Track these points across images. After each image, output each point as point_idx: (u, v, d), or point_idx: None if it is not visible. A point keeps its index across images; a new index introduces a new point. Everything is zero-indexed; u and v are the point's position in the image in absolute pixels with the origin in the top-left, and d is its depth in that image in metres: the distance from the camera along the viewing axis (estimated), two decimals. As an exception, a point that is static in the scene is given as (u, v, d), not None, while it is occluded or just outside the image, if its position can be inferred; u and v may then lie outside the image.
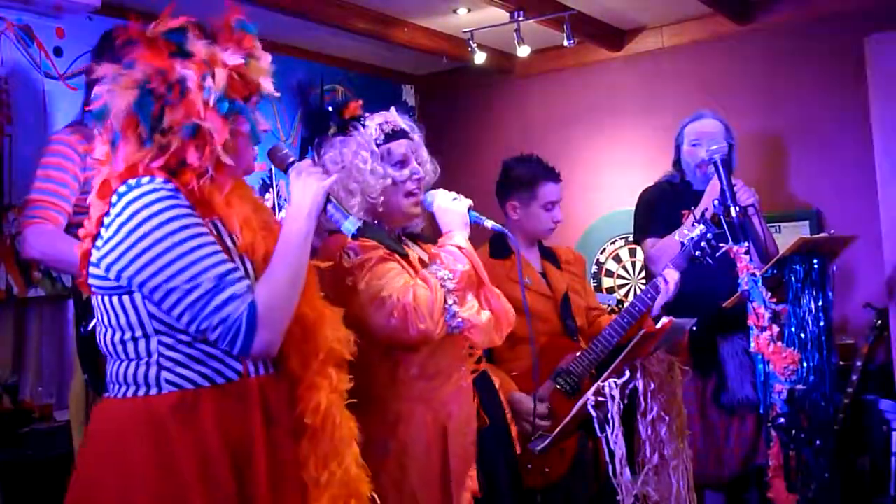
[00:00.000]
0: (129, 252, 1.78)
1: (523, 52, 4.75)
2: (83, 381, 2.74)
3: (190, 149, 1.81)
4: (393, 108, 2.66)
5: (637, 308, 3.28)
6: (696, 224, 3.22)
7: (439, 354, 2.47)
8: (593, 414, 2.42)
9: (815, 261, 3.03)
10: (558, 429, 2.63)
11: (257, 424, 1.85)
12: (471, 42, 4.79)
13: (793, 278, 3.03)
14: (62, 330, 3.82)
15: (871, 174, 4.10)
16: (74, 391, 2.86)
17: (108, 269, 1.82)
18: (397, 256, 2.45)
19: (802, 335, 2.99)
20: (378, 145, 2.53)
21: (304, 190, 1.97)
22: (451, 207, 2.52)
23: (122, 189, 1.81)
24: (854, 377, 4.14)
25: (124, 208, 1.79)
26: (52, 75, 3.79)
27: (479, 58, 4.88)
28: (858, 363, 4.17)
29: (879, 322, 4.20)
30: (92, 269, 1.86)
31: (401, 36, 4.79)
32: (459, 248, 2.42)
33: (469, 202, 2.54)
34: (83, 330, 2.60)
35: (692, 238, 3.21)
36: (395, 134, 2.57)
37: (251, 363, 1.88)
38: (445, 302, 2.35)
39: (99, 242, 1.84)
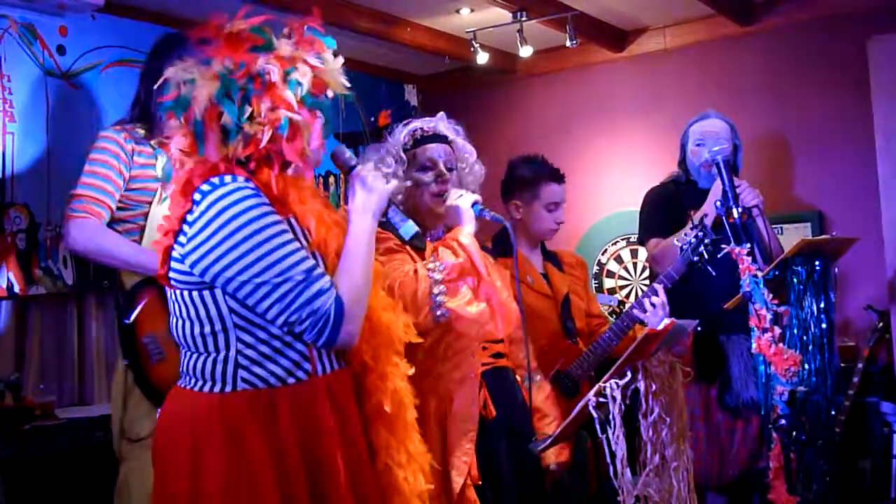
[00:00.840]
0: (216, 249, 1.84)
1: (526, 52, 4.75)
2: (124, 367, 2.82)
3: (284, 143, 1.89)
4: (440, 114, 2.83)
5: (636, 309, 3.29)
6: (693, 229, 3.23)
7: (447, 343, 2.58)
8: (594, 415, 2.42)
9: (816, 262, 3.02)
10: (559, 429, 2.64)
11: (329, 422, 1.93)
12: (473, 42, 4.79)
13: (794, 280, 3.02)
14: (63, 328, 3.82)
15: (874, 176, 4.10)
16: (117, 379, 2.91)
17: (193, 266, 1.88)
18: (408, 248, 2.57)
19: (804, 337, 2.99)
20: (406, 150, 2.69)
21: (370, 191, 2.07)
22: (457, 204, 2.63)
23: (206, 188, 1.87)
24: (855, 379, 4.14)
25: (210, 206, 1.85)
26: (55, 73, 3.79)
27: (482, 58, 4.89)
28: (860, 365, 4.17)
29: (881, 324, 4.20)
30: (174, 265, 1.92)
31: (403, 36, 4.79)
32: (459, 242, 2.52)
33: (474, 197, 2.64)
34: (125, 320, 2.72)
35: (690, 243, 3.21)
36: (425, 139, 2.72)
37: (318, 362, 1.96)
38: (431, 292, 2.45)
39: (182, 239, 1.89)
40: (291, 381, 1.92)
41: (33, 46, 3.72)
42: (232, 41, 1.91)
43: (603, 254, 5.39)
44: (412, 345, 2.48)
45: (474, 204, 2.62)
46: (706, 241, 3.20)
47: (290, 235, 1.88)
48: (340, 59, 2.03)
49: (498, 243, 3.45)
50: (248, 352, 1.90)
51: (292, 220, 1.95)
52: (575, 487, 3.36)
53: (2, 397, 3.34)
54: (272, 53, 1.91)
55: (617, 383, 2.42)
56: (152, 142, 2.94)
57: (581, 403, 2.48)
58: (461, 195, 2.64)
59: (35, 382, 3.62)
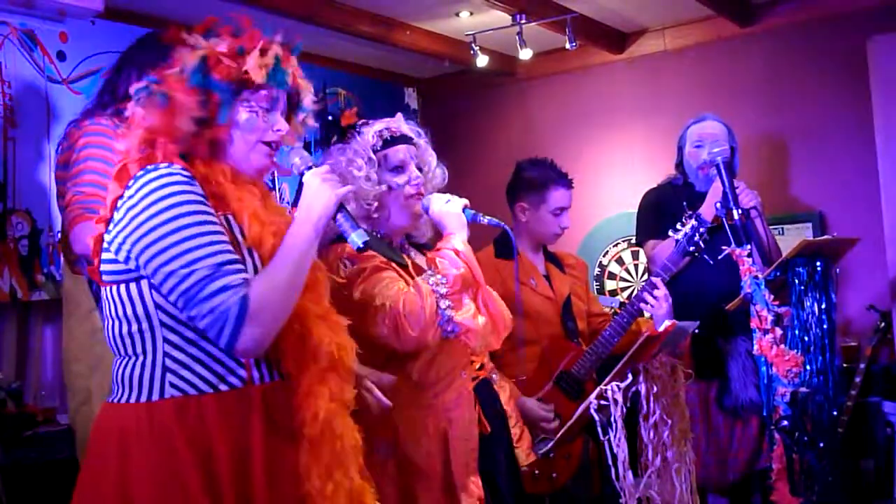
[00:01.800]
0: (137, 230, 1.78)
1: (525, 54, 4.75)
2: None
3: (162, 117, 1.83)
4: (399, 115, 2.65)
5: (635, 307, 3.29)
6: (687, 219, 3.22)
7: (440, 361, 2.46)
8: (596, 417, 2.41)
9: (818, 263, 3.02)
10: (561, 432, 2.64)
11: (257, 434, 1.82)
12: (473, 45, 4.79)
13: (796, 281, 3.02)
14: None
15: (874, 176, 4.10)
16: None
17: (117, 251, 1.81)
18: (394, 265, 2.44)
19: (805, 338, 2.99)
20: (375, 152, 2.52)
21: (316, 196, 1.94)
22: (447, 209, 2.48)
23: (140, 174, 1.82)
24: (857, 379, 4.14)
25: (137, 190, 1.80)
26: (55, 79, 3.80)
27: (482, 61, 4.89)
28: (862, 365, 4.17)
29: (883, 324, 4.20)
30: (104, 255, 1.85)
31: (403, 39, 4.80)
32: (455, 251, 2.39)
33: (464, 202, 2.50)
34: None
35: (685, 234, 3.21)
36: (394, 140, 2.55)
37: (255, 369, 1.85)
38: (439, 307, 2.32)
39: (111, 226, 1.84)
40: (224, 387, 1.81)
41: (34, 53, 3.73)
42: (183, 42, 1.91)
43: (604, 255, 5.39)
44: (406, 367, 2.40)
45: (465, 209, 2.48)
46: (700, 230, 3.20)
47: (212, 227, 1.78)
48: (271, 56, 1.92)
49: (500, 245, 3.45)
50: (176, 354, 1.80)
51: (230, 217, 1.87)
52: (578, 490, 3.37)
53: (4, 404, 3.34)
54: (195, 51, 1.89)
55: (618, 386, 2.42)
56: None
57: (583, 406, 2.48)
58: (448, 200, 2.49)
59: (37, 389, 3.62)
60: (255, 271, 1.85)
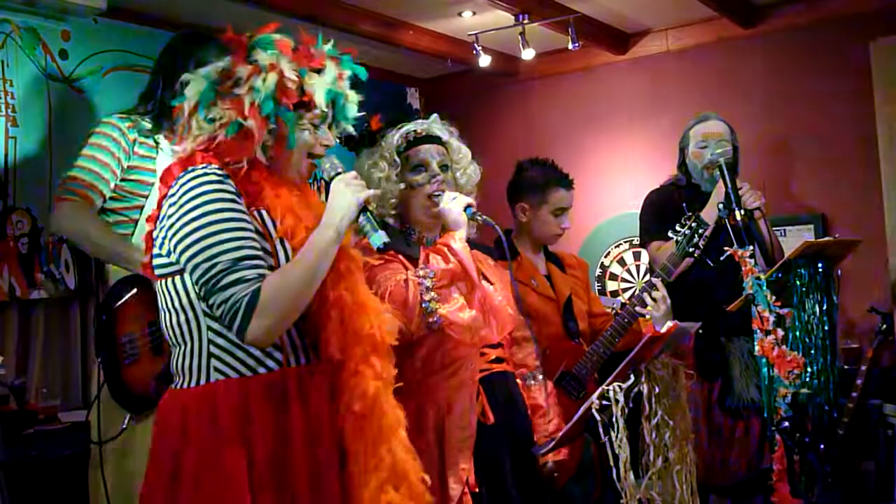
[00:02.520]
0: (174, 226, 1.92)
1: (528, 55, 4.75)
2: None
3: (233, 145, 1.96)
4: (434, 116, 2.81)
5: (635, 307, 3.29)
6: (687, 221, 3.22)
7: (444, 350, 2.54)
8: (597, 418, 2.42)
9: (819, 265, 3.02)
10: (562, 432, 2.64)
11: (296, 414, 1.94)
12: (475, 45, 4.79)
13: (797, 282, 3.02)
14: (66, 332, 3.83)
15: (877, 178, 4.10)
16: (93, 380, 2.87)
17: (162, 246, 1.96)
18: (401, 257, 2.55)
19: (807, 339, 2.98)
20: (399, 153, 2.67)
21: (339, 200, 2.05)
22: (450, 207, 2.59)
23: (181, 174, 1.96)
24: (859, 381, 4.13)
25: (179, 188, 1.93)
26: (57, 78, 3.80)
27: (484, 61, 4.89)
28: (863, 367, 4.16)
29: (884, 326, 4.19)
30: (154, 251, 1.99)
31: (406, 39, 4.80)
32: (448, 246, 2.49)
33: (467, 200, 2.61)
34: (103, 316, 2.70)
35: (685, 234, 3.21)
36: (418, 140, 2.70)
37: (291, 353, 1.99)
38: (422, 299, 2.42)
39: (159, 223, 1.98)
40: (262, 370, 1.95)
41: (35, 51, 3.73)
42: (237, 49, 2.01)
43: (606, 256, 5.39)
44: (410, 354, 2.50)
45: (467, 208, 2.58)
46: (700, 231, 3.19)
47: (239, 224, 1.91)
48: (330, 75, 2.07)
49: (499, 246, 3.45)
50: (219, 340, 1.94)
51: (263, 213, 1.99)
52: (579, 490, 3.36)
53: (5, 401, 3.34)
54: (253, 62, 1.99)
55: (620, 386, 2.42)
56: (157, 136, 2.90)
57: (584, 407, 2.48)
58: (454, 198, 2.61)
59: (38, 386, 3.62)
60: (287, 260, 1.98)
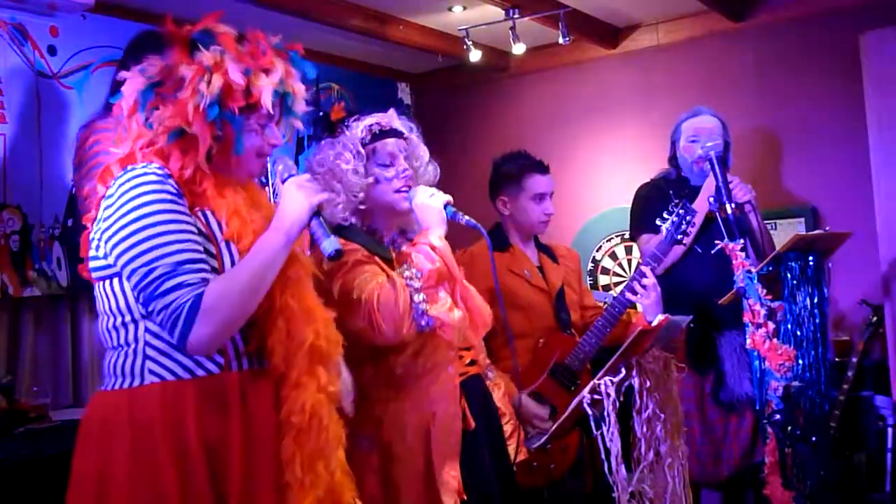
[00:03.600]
0: (111, 228, 1.85)
1: (518, 49, 4.75)
2: None
3: (175, 151, 1.88)
4: (392, 110, 2.67)
5: (625, 296, 3.30)
6: (675, 208, 3.23)
7: (425, 355, 2.47)
8: (589, 412, 2.42)
9: (810, 257, 3.03)
10: (554, 426, 2.64)
11: (235, 420, 1.86)
12: (466, 40, 4.78)
13: (788, 275, 3.03)
14: (58, 329, 3.81)
15: (867, 171, 4.11)
16: None
17: (98, 248, 1.89)
18: (377, 259, 2.46)
19: (798, 332, 2.99)
20: (364, 145, 2.55)
21: (290, 203, 1.97)
22: (428, 203, 2.51)
23: (120, 174, 1.89)
24: (850, 374, 4.14)
25: (116, 189, 1.87)
26: (46, 74, 3.78)
27: (475, 55, 4.88)
28: (854, 360, 4.17)
29: (875, 319, 4.20)
30: (91, 253, 1.92)
31: (396, 34, 4.79)
32: (431, 246, 2.41)
33: (446, 198, 2.53)
34: None
35: (673, 222, 3.22)
36: (383, 133, 2.58)
37: (234, 358, 1.91)
38: (413, 301, 2.34)
39: (95, 224, 1.91)
40: (201, 373, 1.87)
41: (24, 47, 3.71)
42: (178, 44, 1.91)
43: (597, 250, 5.39)
44: (390, 361, 2.44)
45: (446, 205, 2.51)
46: (688, 218, 3.20)
47: (179, 226, 1.84)
48: (275, 77, 1.94)
49: (493, 239, 3.45)
50: (156, 342, 1.86)
51: (207, 213, 1.91)
52: (573, 483, 3.37)
53: (-5, 399, 3.33)
54: (196, 61, 1.89)
55: (611, 380, 2.43)
56: None
57: (576, 401, 2.49)
58: (432, 194, 2.53)
59: (29, 385, 3.60)
60: (232, 263, 1.90)
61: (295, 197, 1.98)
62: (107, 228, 1.86)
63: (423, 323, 2.37)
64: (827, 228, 3.75)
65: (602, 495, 2.66)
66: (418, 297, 2.36)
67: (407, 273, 2.38)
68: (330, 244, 1.98)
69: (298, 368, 1.94)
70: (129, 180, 1.85)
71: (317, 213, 1.98)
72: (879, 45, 4.05)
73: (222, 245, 1.90)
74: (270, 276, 1.90)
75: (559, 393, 3.29)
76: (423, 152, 2.68)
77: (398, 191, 2.55)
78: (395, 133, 2.60)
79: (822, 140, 4.66)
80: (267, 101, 1.92)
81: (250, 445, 1.87)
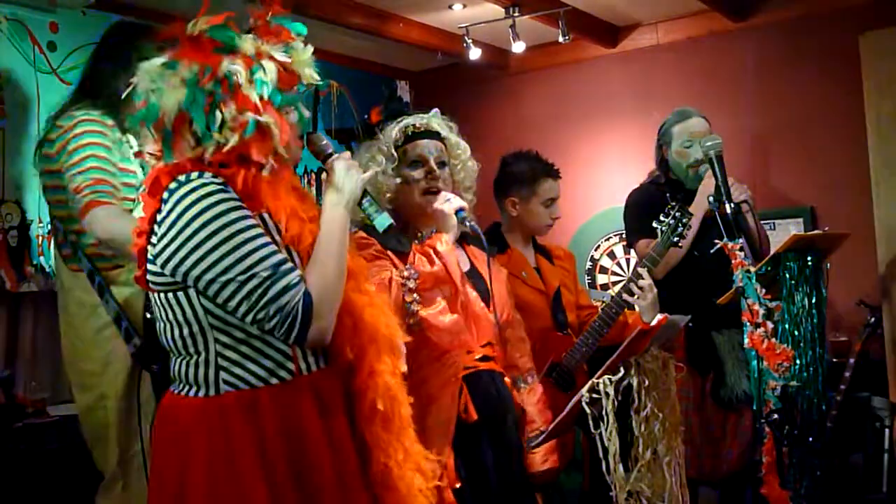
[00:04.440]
0: (183, 247, 1.81)
1: (518, 48, 4.75)
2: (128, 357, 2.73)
3: (252, 145, 1.86)
4: (435, 110, 2.78)
5: (622, 297, 3.30)
6: (670, 210, 3.23)
7: (429, 346, 2.51)
8: (588, 411, 2.42)
9: (808, 258, 3.02)
10: (552, 425, 2.64)
11: (314, 421, 1.89)
12: (466, 38, 4.79)
13: (787, 275, 3.02)
14: (55, 325, 3.80)
15: (866, 171, 4.11)
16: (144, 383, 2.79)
17: (163, 266, 1.85)
18: (389, 253, 2.52)
19: (796, 332, 2.98)
20: (397, 147, 2.63)
21: (345, 180, 2.01)
22: (441, 209, 2.57)
23: (173, 185, 1.85)
24: (847, 374, 4.14)
25: (176, 203, 1.82)
26: (45, 70, 3.78)
27: (474, 54, 4.88)
28: (851, 360, 4.17)
29: (873, 319, 4.21)
30: (150, 267, 1.90)
31: (396, 31, 4.79)
32: (435, 250, 2.48)
33: (460, 204, 2.58)
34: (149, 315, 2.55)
35: (669, 224, 3.22)
36: (416, 135, 2.66)
37: (302, 361, 1.92)
38: (404, 300, 2.41)
39: (154, 239, 1.87)
40: (274, 381, 1.88)
41: (24, 43, 3.71)
42: (195, 43, 1.88)
43: (596, 249, 5.40)
44: None
45: (458, 211, 2.55)
46: (684, 220, 3.20)
47: (258, 230, 1.83)
48: (310, 48, 1.97)
49: (493, 240, 3.45)
50: (228, 353, 1.87)
51: (265, 216, 1.90)
52: (569, 483, 3.37)
53: (-6, 395, 3.33)
54: (236, 53, 1.87)
55: (610, 379, 2.43)
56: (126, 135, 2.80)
57: (574, 400, 2.49)
58: (448, 199, 2.58)
59: (27, 380, 3.61)
60: (296, 267, 1.90)
61: (348, 174, 2.01)
62: (176, 247, 1.82)
63: (410, 322, 2.42)
64: (825, 229, 3.75)
65: (599, 494, 2.65)
66: (410, 297, 2.42)
67: (405, 273, 2.44)
68: (384, 219, 2.07)
69: (369, 359, 1.99)
70: (191, 192, 1.81)
71: (365, 190, 2.04)
72: (878, 45, 4.05)
73: (282, 248, 1.90)
74: (346, 254, 1.95)
75: (555, 393, 3.29)
76: (462, 150, 2.76)
77: (425, 192, 2.62)
78: (430, 134, 2.67)
79: (821, 140, 4.66)
80: (310, 75, 1.95)
81: (332, 442, 1.91)
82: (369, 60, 5.51)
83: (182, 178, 1.84)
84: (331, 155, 2.06)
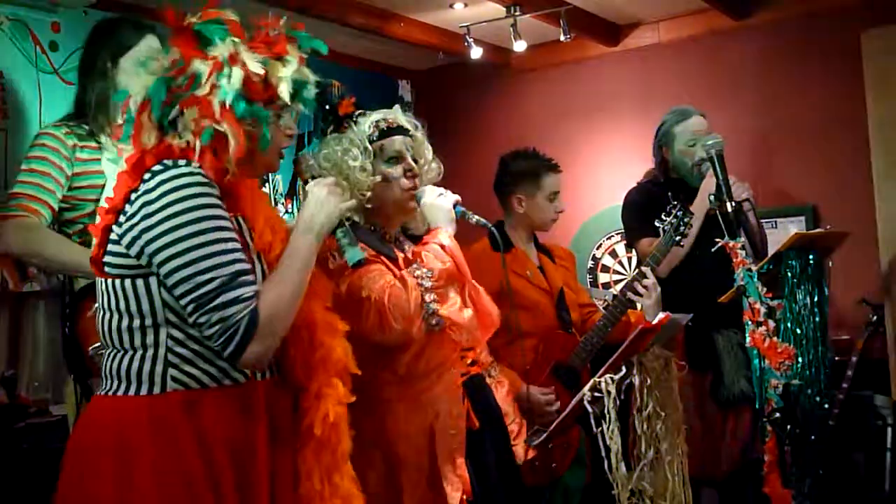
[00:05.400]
0: (156, 227, 1.74)
1: (520, 46, 4.75)
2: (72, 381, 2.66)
3: (207, 152, 1.79)
4: (396, 106, 2.65)
5: (626, 297, 3.30)
6: (672, 210, 3.23)
7: (428, 355, 2.46)
8: (590, 409, 2.42)
9: (810, 256, 3.02)
10: (554, 423, 2.64)
11: (261, 431, 1.84)
12: (467, 37, 4.78)
13: (788, 273, 3.02)
14: (58, 325, 3.80)
15: (867, 170, 4.11)
16: (67, 393, 2.75)
17: (129, 245, 1.79)
18: (383, 258, 2.45)
19: (798, 330, 2.99)
20: (371, 142, 2.51)
21: (321, 206, 1.94)
22: (438, 203, 2.50)
23: (158, 168, 1.79)
24: (849, 373, 4.15)
25: (159, 185, 1.76)
26: (47, 70, 3.78)
27: (476, 53, 4.88)
28: (853, 359, 4.18)
29: (874, 318, 4.21)
30: (111, 247, 1.82)
31: (397, 31, 4.79)
32: (441, 245, 2.41)
33: (455, 198, 2.52)
34: (68, 331, 2.53)
35: (671, 223, 3.22)
36: (391, 131, 2.55)
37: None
38: (423, 301, 2.34)
39: (122, 218, 1.80)
40: (227, 382, 1.82)
41: (25, 43, 3.71)
42: (182, 34, 1.83)
43: (598, 248, 5.40)
44: (394, 360, 2.42)
45: (456, 205, 2.51)
46: (686, 219, 3.20)
47: (230, 234, 1.77)
48: (293, 65, 1.88)
49: (494, 239, 3.45)
50: (180, 349, 1.80)
51: (241, 220, 1.85)
52: (574, 481, 3.37)
53: (-4, 394, 3.33)
54: (209, 55, 1.81)
55: (612, 378, 2.43)
56: (99, 137, 2.75)
57: (577, 398, 2.49)
58: (441, 194, 2.52)
59: (29, 380, 3.60)
60: (263, 276, 1.85)
61: (325, 200, 1.94)
62: (147, 228, 1.76)
63: (433, 322, 2.36)
64: (827, 227, 3.75)
65: (602, 492, 2.66)
66: (429, 297, 2.35)
67: (418, 272, 2.37)
68: (356, 254, 1.96)
69: (319, 380, 1.92)
70: (174, 178, 1.76)
71: (342, 220, 1.96)
72: (881, 43, 4.05)
73: (253, 255, 1.86)
74: (307, 281, 1.87)
75: (561, 392, 3.30)
76: (428, 150, 2.65)
77: (406, 190, 2.53)
78: (402, 130, 2.58)
79: (824, 138, 4.66)
80: (285, 92, 1.86)
81: (276, 453, 1.86)
82: (371, 60, 5.51)
83: (169, 162, 1.79)
84: (313, 178, 2.02)
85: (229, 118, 1.78)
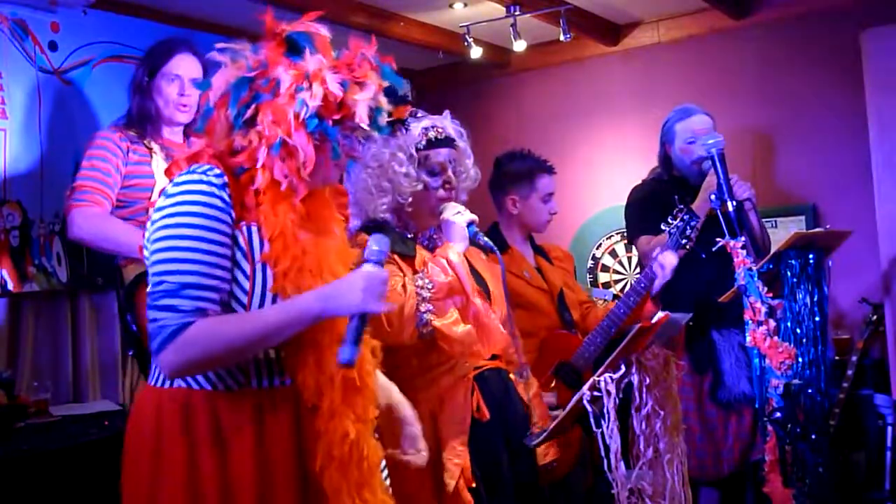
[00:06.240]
0: (153, 227, 1.85)
1: (519, 46, 4.75)
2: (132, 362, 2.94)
3: (276, 163, 1.83)
4: (447, 113, 2.78)
5: (632, 298, 3.29)
6: (678, 212, 3.23)
7: (440, 348, 2.55)
8: (589, 409, 2.42)
9: (811, 256, 3.02)
10: (554, 423, 2.64)
11: (247, 438, 1.85)
12: (467, 37, 4.78)
13: (789, 273, 3.02)
14: (57, 325, 3.81)
15: (868, 169, 4.11)
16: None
17: (145, 246, 1.89)
18: (397, 258, 2.56)
19: (798, 330, 2.99)
20: (418, 150, 2.64)
21: (350, 292, 1.83)
22: (453, 220, 2.62)
23: (181, 172, 1.87)
24: (849, 372, 4.15)
25: (171, 187, 1.86)
26: (46, 70, 3.77)
27: (476, 52, 4.88)
28: (854, 358, 4.18)
29: (875, 317, 4.20)
30: (145, 238, 1.92)
31: (397, 31, 4.79)
32: (448, 260, 2.52)
33: (471, 217, 2.63)
34: (130, 318, 2.70)
35: (677, 226, 3.22)
36: (438, 142, 2.68)
37: (254, 376, 1.89)
38: (418, 309, 2.45)
39: (150, 214, 1.92)
40: (221, 387, 1.86)
41: (25, 43, 3.70)
42: (273, 40, 1.89)
43: (597, 248, 5.39)
44: (407, 351, 2.52)
45: (470, 224, 2.61)
46: (692, 223, 3.20)
47: (205, 245, 1.79)
48: (371, 91, 1.90)
49: (492, 240, 3.45)
50: None
51: (252, 228, 1.85)
52: (575, 479, 3.37)
53: (-5, 395, 3.33)
54: (296, 65, 1.85)
55: (611, 377, 2.43)
56: (148, 142, 3.11)
57: (576, 397, 2.49)
58: (458, 212, 2.64)
59: (29, 380, 3.60)
60: (264, 286, 1.85)
61: (358, 288, 1.83)
62: (152, 223, 1.86)
63: (423, 331, 2.48)
64: (827, 226, 3.74)
65: (602, 492, 2.65)
66: (424, 307, 2.47)
67: (419, 282, 2.49)
68: (349, 352, 1.83)
69: (330, 399, 1.88)
70: (182, 183, 1.83)
71: (362, 317, 1.85)
72: (880, 42, 4.04)
73: (258, 266, 1.85)
74: (284, 336, 1.84)
75: (563, 392, 3.30)
76: (469, 158, 2.78)
77: (440, 200, 2.66)
78: (448, 141, 2.70)
79: (823, 137, 4.66)
80: (361, 117, 1.87)
81: (266, 464, 1.85)
82: (370, 60, 5.51)
83: (194, 167, 1.84)
84: (371, 262, 1.89)
85: (300, 131, 1.83)
